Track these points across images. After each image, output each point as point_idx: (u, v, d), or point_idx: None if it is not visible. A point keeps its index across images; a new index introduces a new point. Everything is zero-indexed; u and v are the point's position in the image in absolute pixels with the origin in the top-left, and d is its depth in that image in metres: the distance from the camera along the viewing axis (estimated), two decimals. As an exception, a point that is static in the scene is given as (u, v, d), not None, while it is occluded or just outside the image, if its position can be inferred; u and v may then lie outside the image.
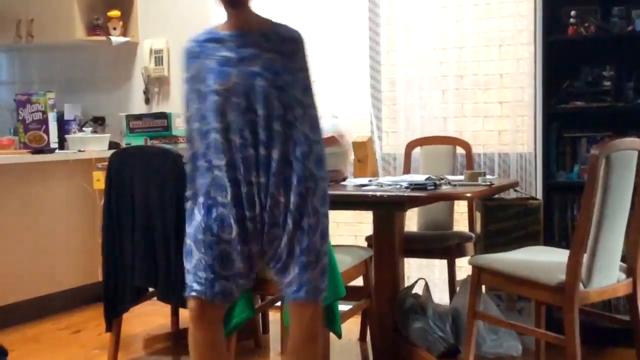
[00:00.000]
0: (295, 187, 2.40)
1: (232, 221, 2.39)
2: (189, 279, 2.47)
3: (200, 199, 2.44)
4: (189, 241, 2.47)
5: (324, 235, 2.48)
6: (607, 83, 3.88)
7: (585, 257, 2.87)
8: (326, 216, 2.50)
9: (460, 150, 4.35)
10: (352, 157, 4.06)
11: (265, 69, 2.38)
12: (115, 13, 5.16)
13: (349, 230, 4.91)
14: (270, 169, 2.38)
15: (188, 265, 2.47)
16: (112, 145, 4.92)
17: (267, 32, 2.43)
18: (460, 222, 4.44)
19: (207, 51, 2.44)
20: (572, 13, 3.88)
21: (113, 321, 3.65)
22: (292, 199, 2.39)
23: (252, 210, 2.40)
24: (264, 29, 2.44)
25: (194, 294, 2.44)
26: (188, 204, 2.49)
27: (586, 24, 3.88)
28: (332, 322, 3.18)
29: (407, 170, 4.42)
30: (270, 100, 2.37)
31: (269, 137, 2.38)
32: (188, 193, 2.48)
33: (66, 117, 5.13)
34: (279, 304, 3.81)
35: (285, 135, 2.39)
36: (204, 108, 2.42)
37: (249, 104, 2.37)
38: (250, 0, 2.45)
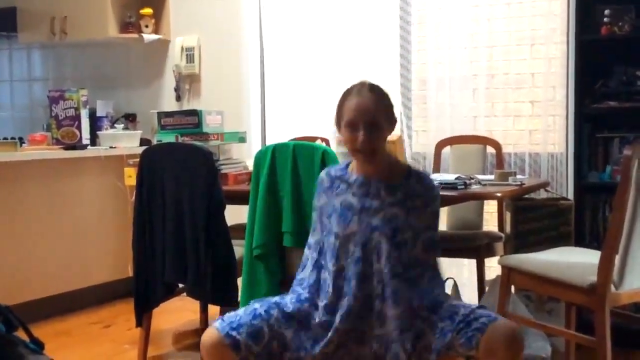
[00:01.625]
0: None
1: None
2: None
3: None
4: None
5: None
6: (641, 83, 3.84)
7: (617, 259, 2.84)
8: None
9: (490, 149, 4.32)
10: (381, 155, 4.06)
11: (386, 223, 2.32)
12: (147, 11, 5.20)
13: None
14: (384, 324, 2.31)
15: None
16: (143, 142, 4.96)
17: (396, 184, 2.36)
18: (490, 222, 4.42)
19: (334, 189, 2.42)
20: (606, 12, 3.84)
21: (143, 316, 3.68)
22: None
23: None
24: (393, 180, 2.37)
25: None
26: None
27: (620, 23, 3.83)
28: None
29: (436, 169, 4.40)
30: (387, 256, 2.30)
31: (385, 293, 2.30)
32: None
33: (98, 114, 5.18)
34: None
35: (403, 293, 2.30)
36: (324, 242, 2.42)
37: (364, 255, 2.32)
38: (383, 148, 2.38)
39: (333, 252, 2.37)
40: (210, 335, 2.34)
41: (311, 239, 2.53)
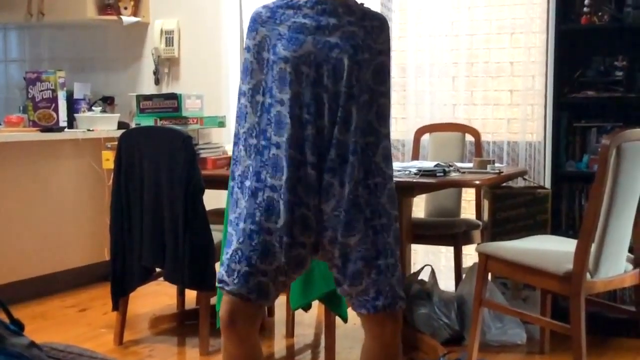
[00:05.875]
0: (362, 180, 2.13)
1: (281, 207, 2.11)
2: (220, 271, 2.20)
3: (247, 182, 2.17)
4: (229, 229, 2.21)
5: (397, 239, 2.19)
6: (619, 73, 3.86)
7: (593, 247, 2.87)
8: (397, 220, 2.21)
9: (469, 137, 4.34)
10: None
11: (346, 41, 2.12)
12: (126, -8, 5.14)
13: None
14: (329, 152, 2.12)
15: (224, 256, 2.20)
16: (121, 125, 4.92)
17: (351, 4, 2.18)
18: (468, 210, 4.44)
19: (278, 17, 2.18)
20: (586, 2, 3.85)
21: (120, 300, 3.67)
22: (360, 192, 2.13)
23: (309, 197, 2.12)
24: (349, 2, 2.19)
25: (226, 288, 2.15)
26: (232, 188, 2.23)
27: (600, 13, 3.85)
28: (338, 306, 3.19)
29: (415, 156, 4.42)
30: (346, 75, 2.11)
31: (334, 117, 2.11)
32: (232, 175, 2.23)
33: (76, 96, 5.12)
34: (285, 287, 3.83)
35: (352, 118, 2.12)
36: (268, 79, 2.16)
37: (318, 77, 2.11)
38: None
39: (284, 79, 2.12)
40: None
41: (244, 86, 2.22)
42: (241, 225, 2.16)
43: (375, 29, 2.18)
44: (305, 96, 2.12)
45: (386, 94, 2.22)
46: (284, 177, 2.11)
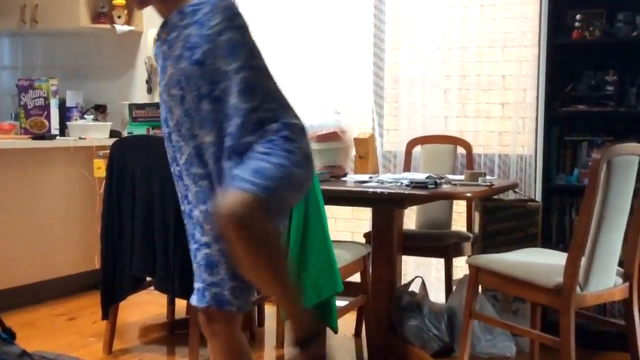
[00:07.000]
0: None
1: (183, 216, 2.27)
2: None
3: (182, 207, 2.31)
4: None
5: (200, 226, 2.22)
6: (610, 88, 3.89)
7: (583, 261, 2.88)
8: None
9: (460, 150, 4.36)
10: (353, 153, 4.07)
11: (184, 47, 2.11)
12: (120, 1, 5.14)
13: (347, 226, 4.92)
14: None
15: None
16: (113, 133, 4.92)
17: (183, 9, 2.14)
18: (459, 222, 4.45)
19: (158, 54, 2.24)
20: (578, 17, 3.89)
21: (110, 309, 3.66)
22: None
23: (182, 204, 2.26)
24: (181, 6, 2.15)
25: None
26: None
27: (591, 28, 3.88)
28: (329, 317, 3.19)
29: (407, 168, 4.43)
30: (194, 79, 2.09)
31: (196, 122, 2.11)
32: None
33: (68, 104, 5.12)
34: (275, 297, 3.82)
35: (217, 116, 2.09)
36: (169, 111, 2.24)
37: (183, 93, 2.12)
38: None
39: (165, 107, 2.20)
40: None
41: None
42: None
43: (206, 16, 2.12)
44: (179, 116, 2.15)
45: (243, 68, 2.10)
46: (177, 194, 2.25)
